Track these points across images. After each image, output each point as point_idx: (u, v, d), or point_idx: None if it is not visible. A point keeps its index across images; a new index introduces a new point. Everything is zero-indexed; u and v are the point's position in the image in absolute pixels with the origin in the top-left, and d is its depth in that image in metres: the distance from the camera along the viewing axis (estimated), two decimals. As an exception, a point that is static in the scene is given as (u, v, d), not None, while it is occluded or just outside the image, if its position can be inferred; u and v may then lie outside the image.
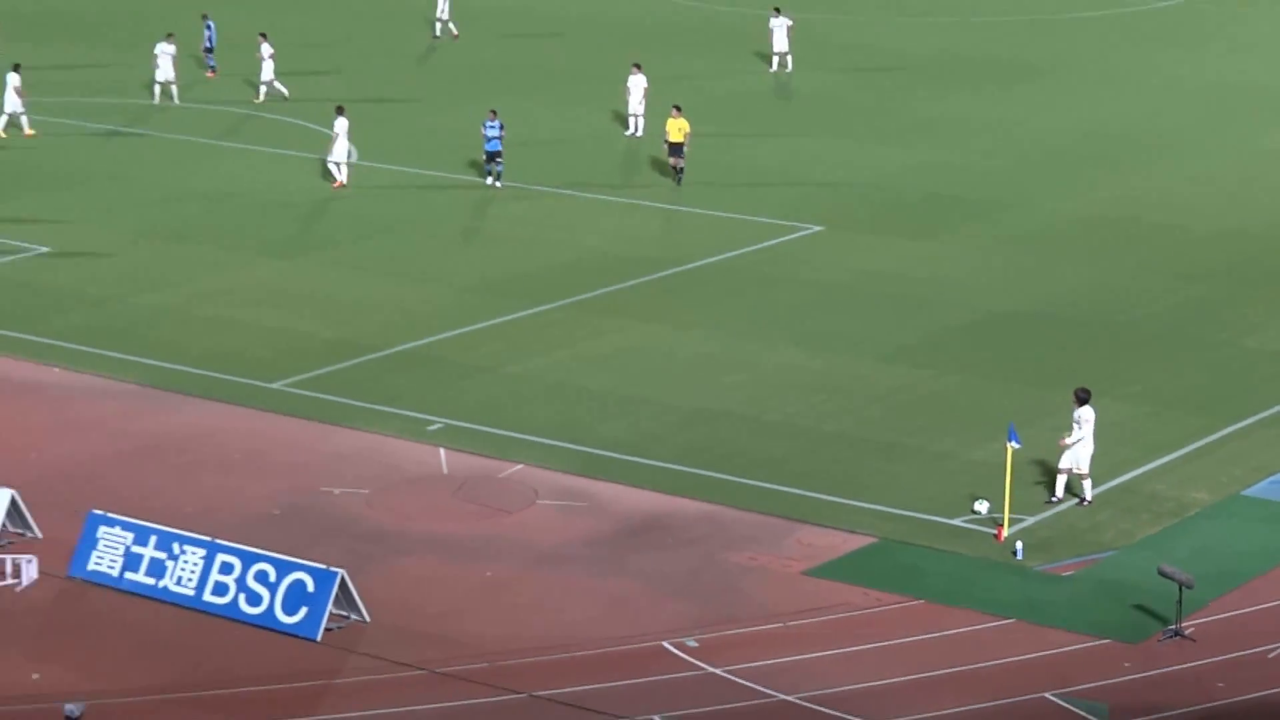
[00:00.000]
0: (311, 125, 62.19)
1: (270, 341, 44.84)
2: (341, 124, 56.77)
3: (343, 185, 56.64)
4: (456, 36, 76.73)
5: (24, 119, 62.67)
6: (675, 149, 55.85)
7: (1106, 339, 44.76)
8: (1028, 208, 54.49)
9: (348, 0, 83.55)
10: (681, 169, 55.86)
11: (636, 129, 61.11)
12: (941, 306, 46.81)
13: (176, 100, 66.30)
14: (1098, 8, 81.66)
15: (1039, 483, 36.74)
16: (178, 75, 67.04)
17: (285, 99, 66.07)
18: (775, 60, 70.60)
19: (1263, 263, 49.88)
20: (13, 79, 62.87)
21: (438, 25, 77.18)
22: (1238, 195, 55.53)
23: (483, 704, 30.15)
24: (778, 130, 63.02)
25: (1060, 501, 36.26)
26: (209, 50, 70.56)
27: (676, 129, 55.78)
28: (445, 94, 67.59)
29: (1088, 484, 36.30)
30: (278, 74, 66.51)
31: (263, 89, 66.60)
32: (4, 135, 62.50)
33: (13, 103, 62.58)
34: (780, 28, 70.55)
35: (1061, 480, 36.38)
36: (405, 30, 77.86)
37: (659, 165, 56.80)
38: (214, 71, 69.53)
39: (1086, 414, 36.07)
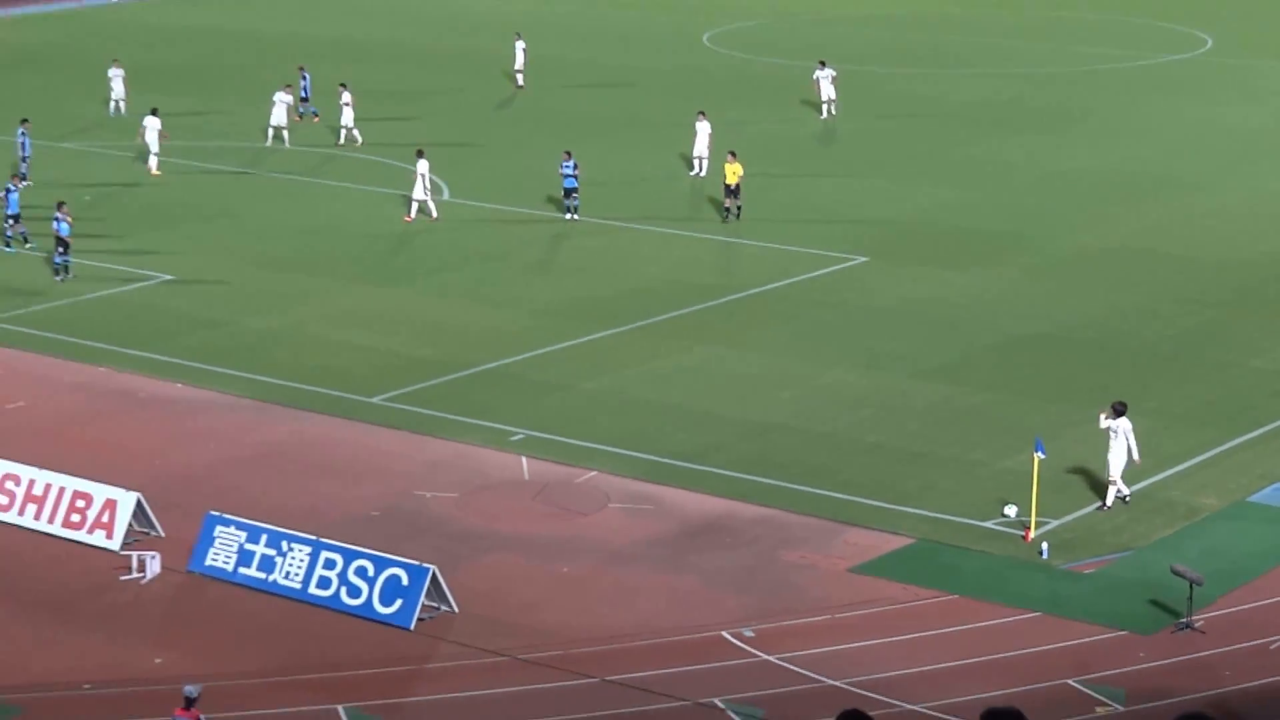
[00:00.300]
0: (399, 164, 62.37)
1: (369, 360, 44.97)
2: (422, 165, 56.95)
3: (421, 219, 56.63)
4: (521, 87, 76.70)
5: (154, 159, 63.01)
6: (731, 190, 55.90)
7: (1124, 359, 44.62)
8: (1054, 240, 54.34)
9: (434, 56, 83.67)
10: (739, 207, 55.81)
11: (700, 170, 61.09)
12: (975, 329, 46.74)
13: (287, 144, 66.58)
14: (1122, 60, 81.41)
15: (1063, 489, 36.66)
16: (289, 121, 67.36)
17: (357, 144, 66.10)
18: (824, 108, 70.57)
19: (1266, 291, 49.65)
20: (153, 122, 63.28)
21: (519, 77, 77.28)
22: (1245, 229, 55.29)
23: (559, 687, 30.24)
24: (826, 171, 62.98)
25: (1111, 507, 36.22)
26: (305, 99, 70.82)
27: (732, 172, 55.78)
28: (523, 138, 67.65)
29: (1111, 490, 36.25)
30: (356, 120, 66.61)
31: (342, 133, 66.73)
32: (158, 173, 62.88)
33: (153, 143, 62.99)
34: (826, 79, 70.50)
35: (1111, 491, 36.37)
36: (485, 82, 77.91)
37: (720, 203, 56.78)
38: (317, 117, 69.75)
39: (1124, 425, 36.01)
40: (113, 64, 73.43)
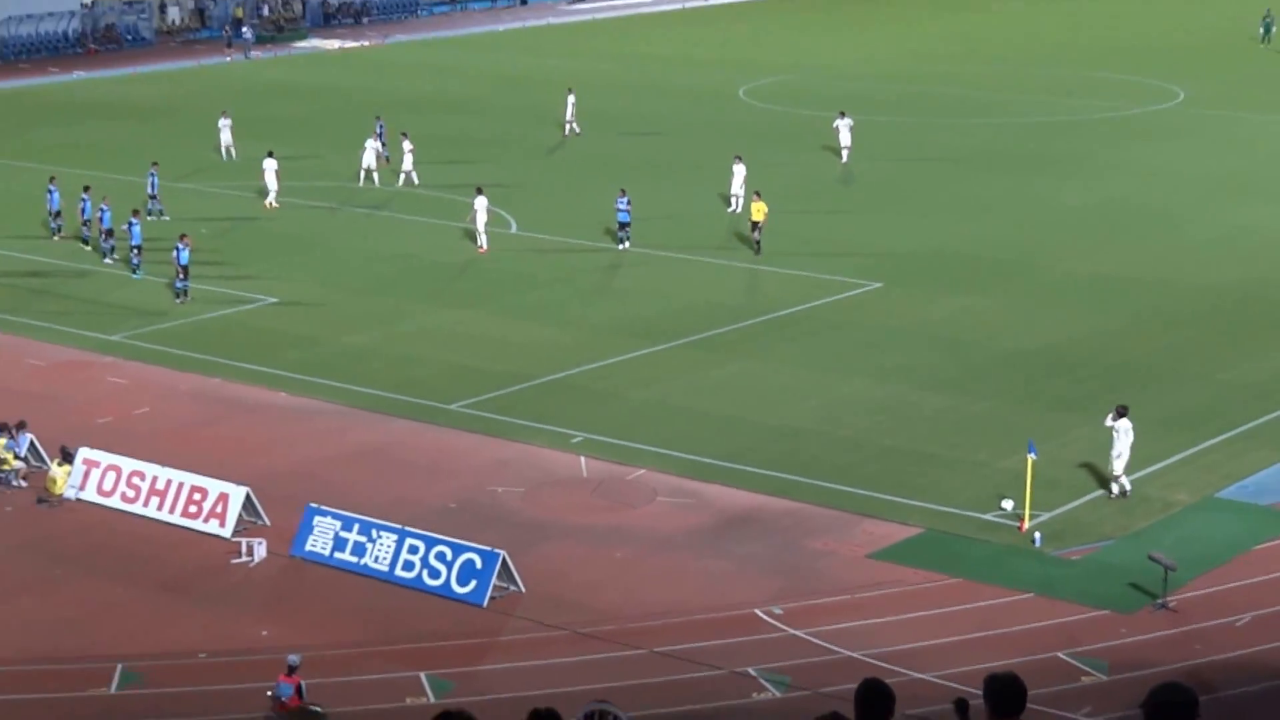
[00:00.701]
0: (465, 200, 62.60)
1: (447, 373, 45.08)
2: (481, 201, 57.05)
3: (484, 251, 56.85)
4: (578, 133, 76.69)
5: (272, 194, 63.33)
6: (755, 226, 55.77)
7: (1108, 372, 44.48)
8: (1046, 268, 54.21)
9: (495, 108, 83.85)
10: (759, 240, 55.55)
11: (736, 207, 61.00)
12: (977, 347, 46.65)
13: (376, 184, 66.74)
14: (1106, 111, 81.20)
15: (1053, 486, 36.58)
16: (379, 164, 67.49)
17: (415, 185, 65.98)
18: (843, 153, 70.48)
19: (1234, 313, 49.47)
20: (270, 164, 63.61)
21: (567, 126, 77.26)
22: (1215, 259, 55.07)
23: (613, 657, 30.29)
24: (844, 208, 62.91)
25: (1114, 496, 36.37)
26: (383, 144, 70.89)
27: (757, 210, 55.72)
28: (580, 179, 67.68)
29: (1125, 479, 36.35)
30: (415, 164, 66.46)
31: (402, 176, 66.59)
32: (275, 206, 63.19)
33: (271, 181, 63.30)
34: (844, 127, 70.39)
35: (1115, 485, 36.45)
36: (542, 130, 78.06)
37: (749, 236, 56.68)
38: (389, 161, 69.60)
39: (1125, 425, 36.05)
40: (222, 115, 73.77)
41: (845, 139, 70.36)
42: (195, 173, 68.99)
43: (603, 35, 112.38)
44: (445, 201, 63.66)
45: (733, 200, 61.17)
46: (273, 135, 74.51)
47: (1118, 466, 36.23)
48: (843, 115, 70.85)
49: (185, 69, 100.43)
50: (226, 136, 72.47)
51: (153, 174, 62.06)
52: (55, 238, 59.23)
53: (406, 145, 66.93)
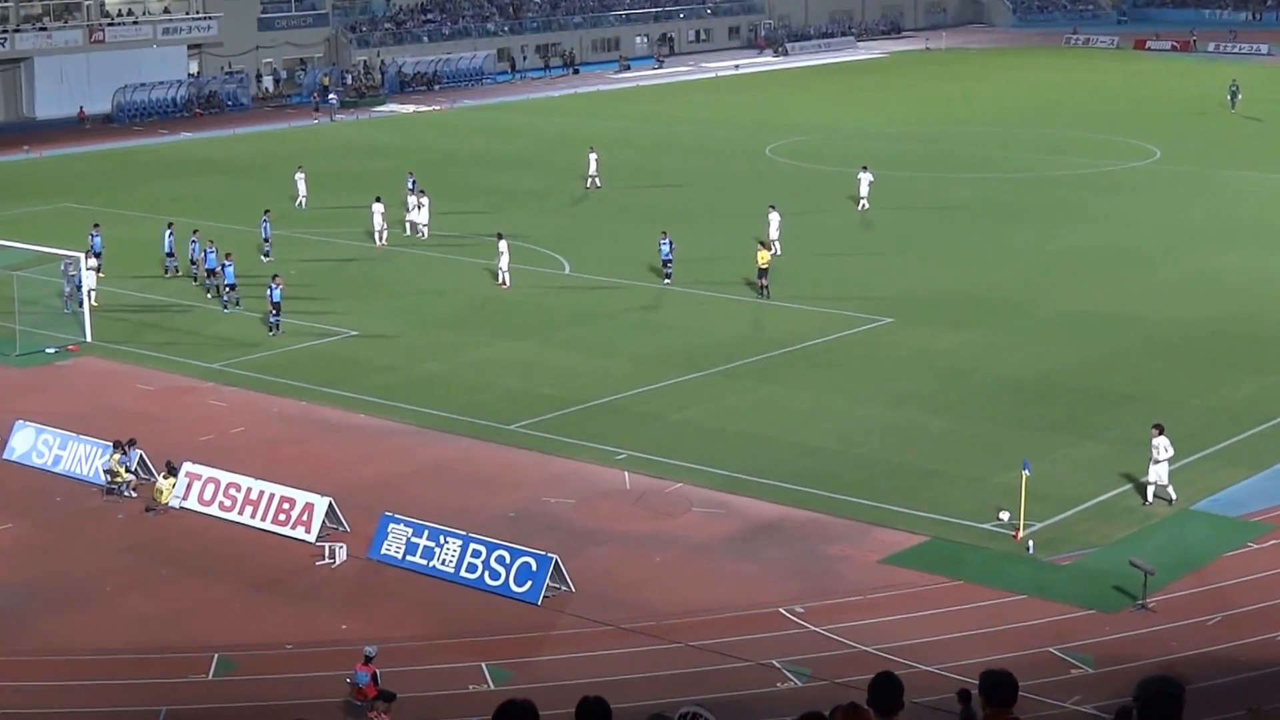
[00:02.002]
0: (523, 244, 62.58)
1: (507, 397, 45.01)
2: (503, 245, 57.32)
3: (505, 286, 56.97)
4: (599, 187, 76.30)
5: (381, 235, 63.21)
6: (762, 272, 55.15)
7: (1092, 398, 44.24)
8: (1037, 306, 53.95)
9: (547, 164, 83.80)
10: (765, 285, 54.97)
11: (776, 250, 59.96)
12: (976, 375, 46.41)
13: (425, 236, 65.81)
14: (1090, 167, 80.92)
15: (1045, 499, 36.32)
16: (426, 218, 66.51)
17: (422, 239, 64.81)
18: (863, 202, 70.24)
19: (1206, 345, 49.17)
20: (379, 208, 63.72)
21: (589, 180, 76.88)
22: (1189, 297, 54.74)
23: (653, 650, 30.17)
24: (860, 252, 62.72)
25: (1151, 504, 36.35)
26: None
27: (761, 259, 55.20)
28: (624, 226, 67.58)
29: (1171, 489, 36.35)
30: (431, 217, 65.51)
31: (408, 226, 65.80)
32: (382, 245, 63.30)
33: (379, 223, 63.45)
34: (864, 180, 70.24)
35: (1150, 490, 36.40)
36: (585, 183, 78.01)
37: (780, 276, 56.27)
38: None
39: (1163, 441, 36.05)
40: (297, 169, 73.89)
41: (864, 190, 70.18)
42: (281, 218, 69.09)
43: (644, 101, 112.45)
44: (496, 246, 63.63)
45: (772, 244, 60.21)
46: (350, 187, 74.75)
47: (1156, 474, 36.33)
48: (865, 169, 70.70)
49: (278, 130, 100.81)
50: (302, 188, 72.48)
51: (265, 220, 62.34)
52: (166, 275, 59.55)
53: (423, 200, 66.05)
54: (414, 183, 70.22)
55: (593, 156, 77.24)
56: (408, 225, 66.73)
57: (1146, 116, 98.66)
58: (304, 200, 72.22)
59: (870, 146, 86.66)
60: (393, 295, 56.71)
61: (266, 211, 63.55)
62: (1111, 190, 74.69)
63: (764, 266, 55.17)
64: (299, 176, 73.09)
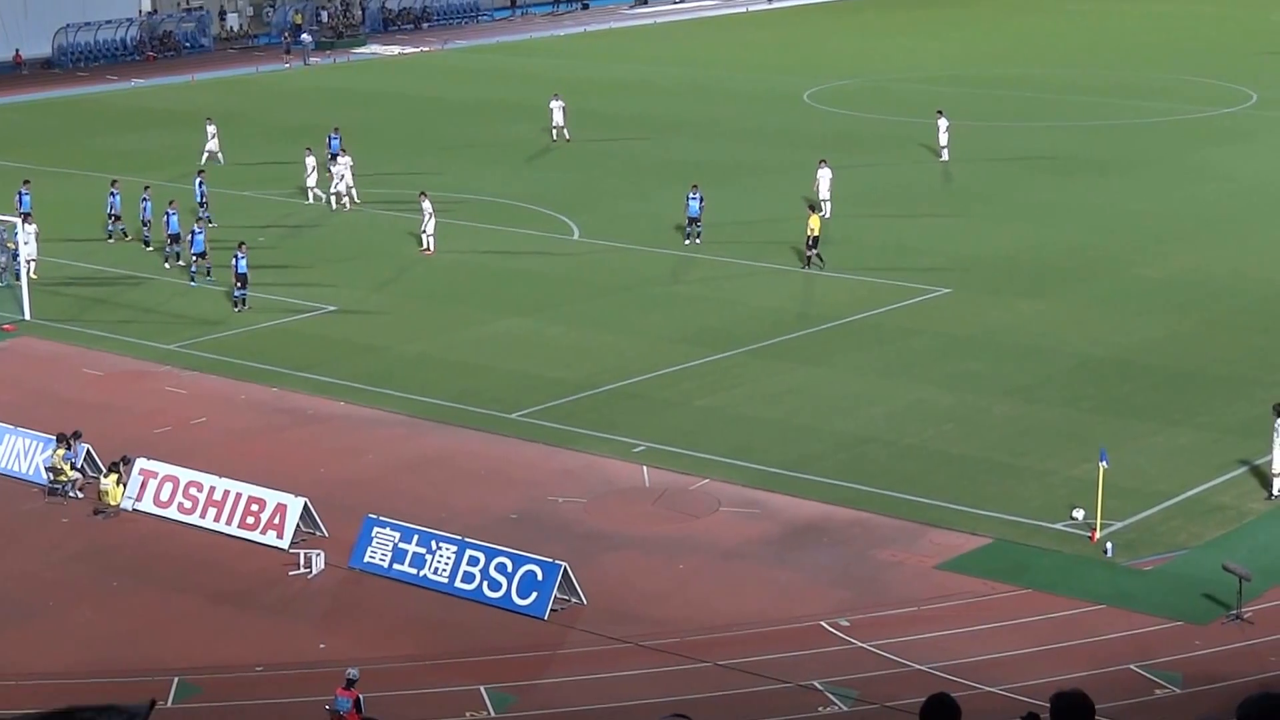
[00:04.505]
0: (523, 205, 62.62)
1: (508, 381, 45.07)
2: (427, 205, 57.70)
3: (429, 252, 57.58)
4: (569, 140, 76.16)
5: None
6: (813, 241, 54.84)
7: (1179, 379, 44.20)
8: (1116, 273, 53.90)
9: (528, 114, 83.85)
10: (815, 254, 54.71)
11: (826, 212, 59.77)
12: (1047, 353, 46.38)
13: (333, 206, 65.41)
14: (1178, 114, 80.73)
15: (1125, 495, 36.33)
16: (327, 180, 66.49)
17: (346, 209, 64.29)
18: (942, 152, 70.29)
19: (1308, 318, 49.23)
20: (345, 160, 64.02)
21: (554, 131, 76.72)
22: (1288, 263, 54.77)
23: (676, 670, 30.21)
24: (912, 213, 62.51)
25: (1277, 497, 36.51)
26: (333, 156, 69.28)
27: (813, 224, 54.98)
28: (644, 183, 67.55)
29: (1276, 481, 36.40)
30: (352, 185, 65.09)
31: (333, 198, 65.15)
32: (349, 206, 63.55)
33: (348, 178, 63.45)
34: (942, 128, 70.26)
35: (1276, 483, 36.56)
36: (597, 135, 77.94)
37: (832, 241, 56.05)
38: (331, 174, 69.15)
39: None
40: (208, 121, 73.88)
41: (943, 138, 70.18)
42: (244, 179, 69.07)
43: (663, 40, 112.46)
44: (501, 206, 63.73)
45: (822, 206, 60.01)
46: (316, 140, 74.80)
47: (1275, 465, 36.45)
48: (941, 114, 70.77)
49: (243, 75, 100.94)
50: (214, 144, 72.17)
51: (199, 181, 62.22)
52: (110, 240, 59.71)
53: (345, 160, 65.52)
54: (337, 139, 69.99)
55: (558, 104, 77.22)
56: (311, 195, 65.80)
57: (1239, 54, 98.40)
58: (219, 156, 71.84)
59: (925, 92, 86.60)
60: (376, 264, 56.78)
61: (201, 171, 63.51)
62: (1202, 140, 74.57)
63: (815, 234, 54.99)
64: (210, 129, 72.95)
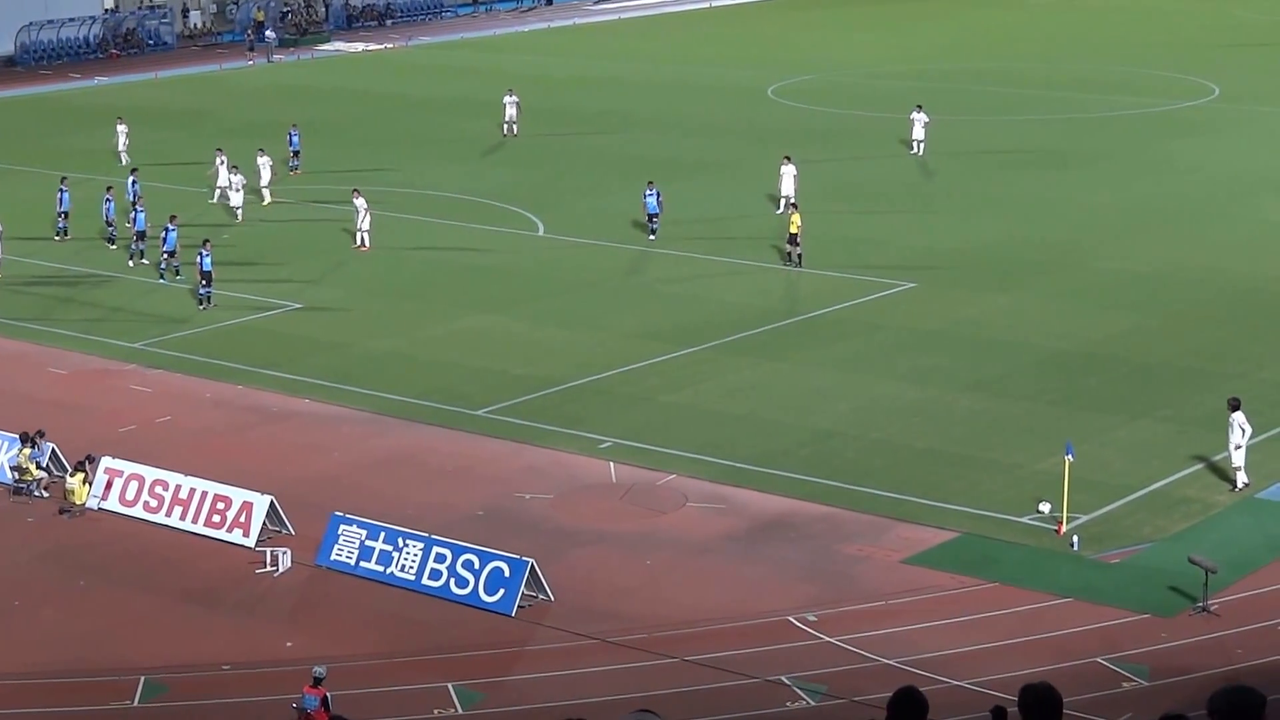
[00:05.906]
0: (489, 202, 62.52)
1: (474, 378, 45.01)
2: (360, 201, 57.66)
3: (365, 249, 57.57)
4: (516, 135, 76.16)
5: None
6: (792, 239, 54.78)
7: (1143, 372, 44.32)
8: (1081, 266, 54.03)
9: (489, 110, 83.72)
10: (799, 254, 54.58)
11: (781, 208, 59.93)
12: (1012, 347, 46.47)
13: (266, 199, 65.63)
14: (1141, 107, 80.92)
15: (1091, 488, 36.39)
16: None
17: (265, 203, 64.23)
18: (917, 146, 70.29)
19: (1268, 311, 49.23)
20: (265, 160, 63.42)
21: (505, 127, 76.72)
22: (1251, 256, 54.85)
23: (644, 666, 30.20)
24: (876, 209, 62.57)
25: (1241, 490, 36.79)
26: (296, 153, 70.16)
27: (793, 223, 54.90)
28: (609, 179, 67.44)
29: (1242, 473, 36.70)
30: (271, 184, 65.06)
31: (266, 193, 65.02)
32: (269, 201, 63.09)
33: (266, 177, 63.18)
34: (918, 122, 70.31)
35: (1239, 476, 36.79)
36: (562, 130, 77.90)
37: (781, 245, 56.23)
38: (295, 171, 69.45)
39: (1239, 418, 36.41)
40: (118, 120, 73.76)
41: (919, 131, 70.21)
42: (201, 178, 68.93)
43: (626, 35, 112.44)
44: (468, 204, 63.63)
45: (782, 203, 59.99)
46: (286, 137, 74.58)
47: (1236, 459, 36.55)
48: (919, 109, 70.80)
49: (207, 73, 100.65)
50: (123, 141, 72.15)
51: (133, 180, 61.25)
52: (57, 239, 59.46)
53: (263, 160, 65.19)
54: (297, 135, 70.32)
55: (511, 100, 77.13)
56: (268, 194, 65.17)
57: (1201, 48, 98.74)
58: (123, 154, 71.64)
59: (889, 86, 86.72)
60: (340, 261, 56.64)
61: (134, 170, 63.24)
62: (1165, 134, 74.78)
63: (795, 231, 54.61)
64: (120, 129, 72.81)
